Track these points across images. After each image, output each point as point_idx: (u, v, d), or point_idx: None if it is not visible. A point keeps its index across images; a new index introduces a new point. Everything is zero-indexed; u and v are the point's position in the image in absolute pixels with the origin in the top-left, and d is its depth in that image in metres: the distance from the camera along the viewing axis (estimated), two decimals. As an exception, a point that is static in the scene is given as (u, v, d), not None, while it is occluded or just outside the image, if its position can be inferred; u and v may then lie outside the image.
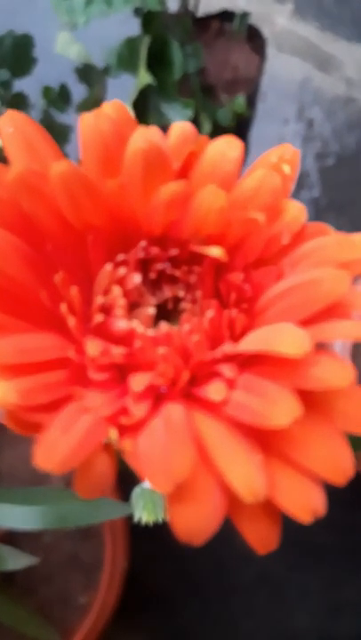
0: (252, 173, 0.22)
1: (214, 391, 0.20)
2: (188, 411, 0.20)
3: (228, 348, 0.22)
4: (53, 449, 0.18)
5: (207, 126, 0.69)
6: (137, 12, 0.66)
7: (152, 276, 0.24)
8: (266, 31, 0.79)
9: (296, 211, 0.22)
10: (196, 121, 0.69)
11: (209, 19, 0.78)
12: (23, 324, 0.20)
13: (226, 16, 0.78)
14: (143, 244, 0.23)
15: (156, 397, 0.21)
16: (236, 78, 0.75)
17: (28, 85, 0.64)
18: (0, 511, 0.33)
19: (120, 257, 0.23)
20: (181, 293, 0.24)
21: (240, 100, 0.70)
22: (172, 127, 0.24)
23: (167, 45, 0.68)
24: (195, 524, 0.18)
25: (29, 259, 0.21)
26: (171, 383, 0.21)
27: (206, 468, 0.18)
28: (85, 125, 0.22)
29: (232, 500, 0.18)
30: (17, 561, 0.40)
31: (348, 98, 0.89)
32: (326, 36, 0.94)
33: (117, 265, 0.23)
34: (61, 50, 0.69)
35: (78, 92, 0.67)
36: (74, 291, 0.21)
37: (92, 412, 0.19)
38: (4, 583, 0.49)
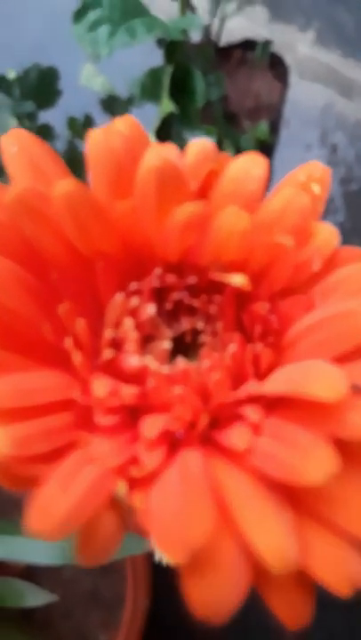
0: (279, 193, 0.20)
1: (237, 437, 0.18)
2: (208, 459, 0.18)
3: (252, 387, 0.19)
4: (51, 507, 0.15)
5: (230, 153, 0.67)
6: (160, 42, 0.66)
7: (168, 306, 0.22)
8: (288, 59, 0.78)
9: (327, 234, 0.20)
10: (219, 148, 0.68)
11: (231, 48, 0.78)
12: (23, 362, 0.18)
13: (248, 45, 0.77)
14: (158, 271, 0.21)
15: (172, 444, 0.19)
16: (259, 105, 0.74)
17: (53, 117, 0.64)
18: (19, 545, 0.31)
19: (133, 286, 0.21)
20: (200, 325, 0.22)
21: (263, 127, 0.69)
22: (190, 145, 0.22)
23: (190, 74, 0.68)
24: (214, 597, 0.15)
25: (32, 289, 0.19)
26: (188, 427, 0.19)
27: (228, 531, 0.16)
28: (94, 142, 0.20)
29: (258, 568, 0.15)
30: (36, 597, 0.38)
31: (371, 122, 0.87)
32: (348, 62, 0.93)
33: (130, 295, 0.21)
34: (86, 81, 0.69)
35: (103, 121, 0.66)
36: (80, 323, 0.19)
37: (98, 461, 0.17)
38: (23, 620, 0.47)
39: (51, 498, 0.15)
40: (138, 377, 0.19)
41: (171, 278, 0.21)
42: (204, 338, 0.22)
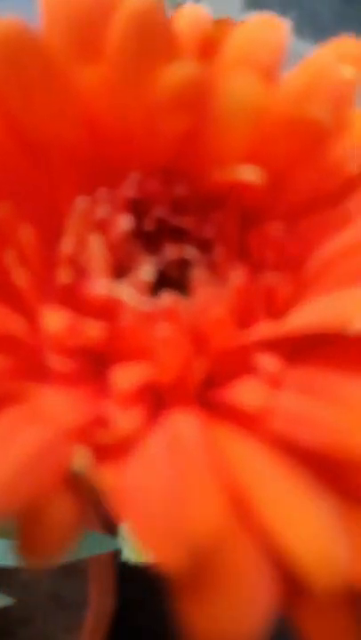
0: (301, 70, 0.15)
1: (249, 393, 0.13)
2: (207, 425, 0.12)
3: (266, 328, 0.14)
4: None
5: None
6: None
7: (148, 226, 0.16)
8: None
9: (369, 124, 0.15)
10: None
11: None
12: None
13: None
14: (136, 176, 0.15)
15: (155, 404, 0.13)
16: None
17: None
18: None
19: (101, 194, 0.15)
20: (191, 254, 0.16)
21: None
22: (180, 12, 0.16)
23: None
24: (225, 621, 0.10)
25: None
26: (176, 382, 0.13)
27: (245, 527, 0.10)
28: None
29: (290, 580, 0.10)
30: None
31: None
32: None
33: (96, 204, 0.15)
34: None
35: None
36: (26, 230, 0.13)
37: (49, 419, 0.11)
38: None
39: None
40: (107, 313, 0.14)
41: (153, 185, 0.15)
42: (197, 272, 0.16)
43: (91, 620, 0.45)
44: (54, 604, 0.47)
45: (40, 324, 0.13)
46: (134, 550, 0.25)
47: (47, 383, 0.12)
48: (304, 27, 0.93)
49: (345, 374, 0.12)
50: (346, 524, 0.11)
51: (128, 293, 0.14)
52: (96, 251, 0.14)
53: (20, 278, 0.13)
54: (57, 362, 0.13)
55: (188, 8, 0.16)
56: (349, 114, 0.15)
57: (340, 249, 0.14)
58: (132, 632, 0.50)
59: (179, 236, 0.16)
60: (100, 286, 0.14)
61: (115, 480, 0.11)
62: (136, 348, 0.14)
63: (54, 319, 0.13)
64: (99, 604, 0.45)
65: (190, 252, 0.16)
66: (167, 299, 0.14)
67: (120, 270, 0.16)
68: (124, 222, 0.15)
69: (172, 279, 0.16)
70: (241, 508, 0.10)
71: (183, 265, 0.17)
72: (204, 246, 0.16)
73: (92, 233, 0.15)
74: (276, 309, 0.15)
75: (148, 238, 0.16)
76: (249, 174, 0.14)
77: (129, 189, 0.15)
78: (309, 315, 0.13)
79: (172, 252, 0.16)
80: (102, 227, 0.15)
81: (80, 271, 0.14)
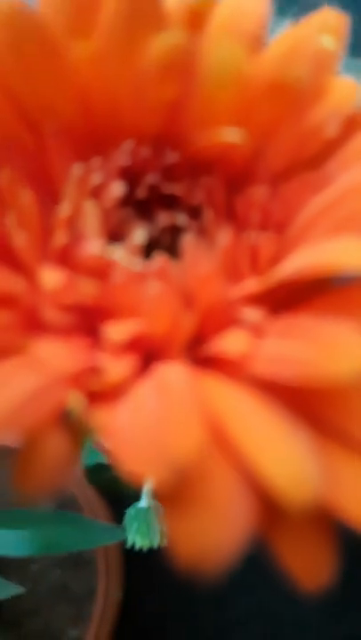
0: (283, 38, 0.16)
1: (233, 341, 0.14)
2: (193, 373, 0.13)
3: (251, 284, 0.15)
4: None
5: None
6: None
7: (140, 194, 0.17)
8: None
9: (346, 89, 0.15)
10: None
11: None
12: None
13: None
14: (128, 144, 0.16)
15: (146, 358, 0.14)
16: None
17: None
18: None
19: (95, 162, 0.16)
20: (182, 220, 0.17)
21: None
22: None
23: None
24: (205, 536, 0.11)
25: None
26: (167, 336, 0.14)
27: (223, 453, 0.11)
28: None
29: (265, 503, 0.11)
30: (3, 590, 0.35)
31: None
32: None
33: (90, 171, 0.16)
34: None
35: None
36: (26, 195, 0.14)
37: (46, 366, 0.12)
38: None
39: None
40: (100, 273, 0.15)
41: (145, 152, 0.16)
42: (188, 237, 0.17)
43: (98, 612, 0.45)
44: (62, 595, 0.47)
45: (38, 282, 0.14)
46: (139, 535, 0.26)
47: (44, 338, 0.13)
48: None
49: (323, 318, 0.13)
50: (319, 457, 0.11)
51: (120, 254, 0.15)
52: (90, 214, 0.15)
53: (20, 239, 0.14)
54: (54, 317, 0.14)
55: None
56: (329, 81, 0.16)
57: (320, 208, 0.15)
58: (139, 625, 0.50)
59: (170, 203, 0.17)
60: (94, 247, 0.15)
61: (106, 419, 0.12)
62: (128, 306, 0.14)
63: (51, 277, 0.14)
64: (106, 595, 0.46)
65: (181, 218, 0.17)
66: (158, 260, 0.15)
67: (114, 237, 0.17)
68: (117, 189, 0.16)
69: (163, 246, 0.17)
70: (220, 436, 0.11)
71: (175, 232, 0.17)
72: (194, 213, 0.17)
73: (87, 199, 0.16)
74: (261, 268, 0.15)
75: (141, 206, 0.17)
76: (232, 136, 0.15)
77: (122, 158, 0.16)
78: (297, 262, 0.14)
79: (164, 219, 0.17)
80: (97, 193, 0.16)
81: (76, 234, 0.15)
